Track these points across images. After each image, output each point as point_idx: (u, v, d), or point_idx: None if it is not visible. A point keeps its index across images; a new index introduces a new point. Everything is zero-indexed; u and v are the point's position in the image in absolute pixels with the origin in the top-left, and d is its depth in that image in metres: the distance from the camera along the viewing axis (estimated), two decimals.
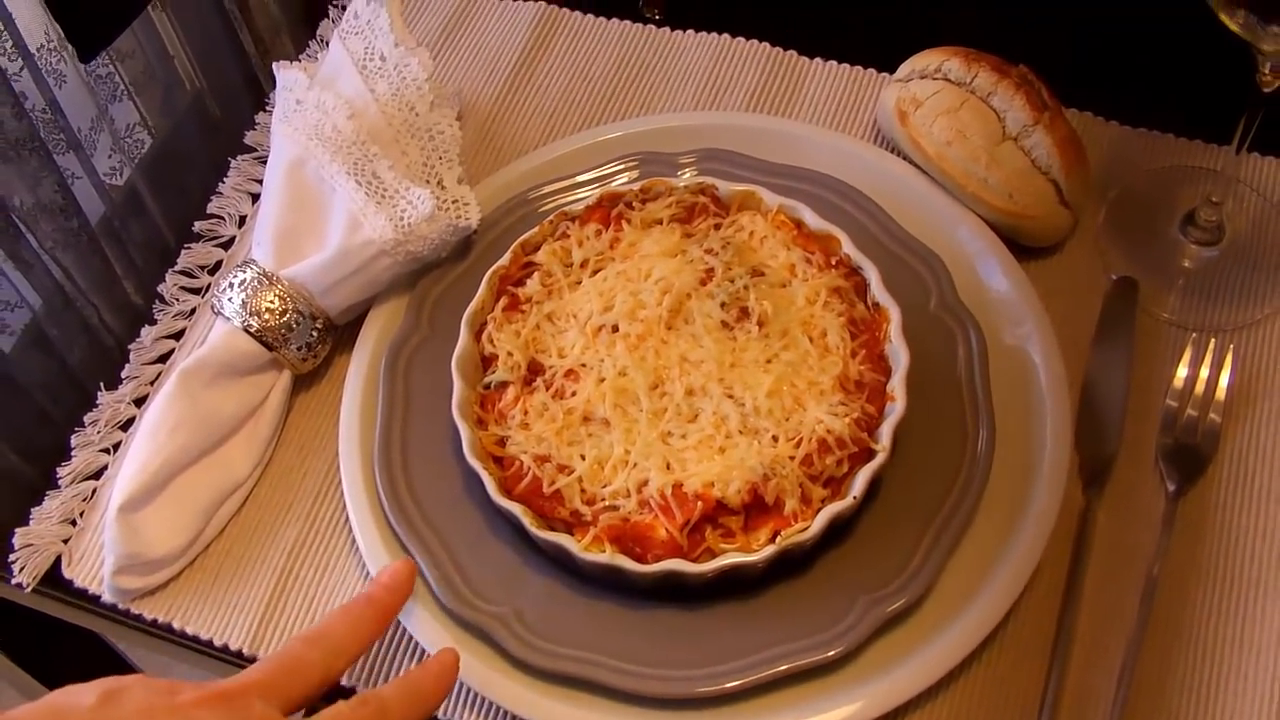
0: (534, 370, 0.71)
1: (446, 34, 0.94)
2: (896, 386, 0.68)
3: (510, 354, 0.71)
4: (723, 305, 0.71)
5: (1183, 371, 0.75)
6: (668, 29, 0.93)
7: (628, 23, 0.93)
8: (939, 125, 0.78)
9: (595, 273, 0.73)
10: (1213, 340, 0.76)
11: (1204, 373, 0.74)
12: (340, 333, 0.79)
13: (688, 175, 0.81)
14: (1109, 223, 0.82)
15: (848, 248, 0.73)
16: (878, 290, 0.71)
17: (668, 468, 0.66)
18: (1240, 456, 0.73)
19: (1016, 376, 0.74)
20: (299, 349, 0.76)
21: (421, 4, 0.96)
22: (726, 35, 0.92)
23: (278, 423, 0.77)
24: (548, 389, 0.70)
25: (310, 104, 0.79)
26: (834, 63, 0.90)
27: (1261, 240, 0.81)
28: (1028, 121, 0.77)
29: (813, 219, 0.74)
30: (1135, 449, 0.73)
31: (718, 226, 0.75)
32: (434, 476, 0.72)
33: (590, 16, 0.94)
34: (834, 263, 0.73)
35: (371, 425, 0.73)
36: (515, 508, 0.66)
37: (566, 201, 0.80)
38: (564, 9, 0.94)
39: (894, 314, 0.70)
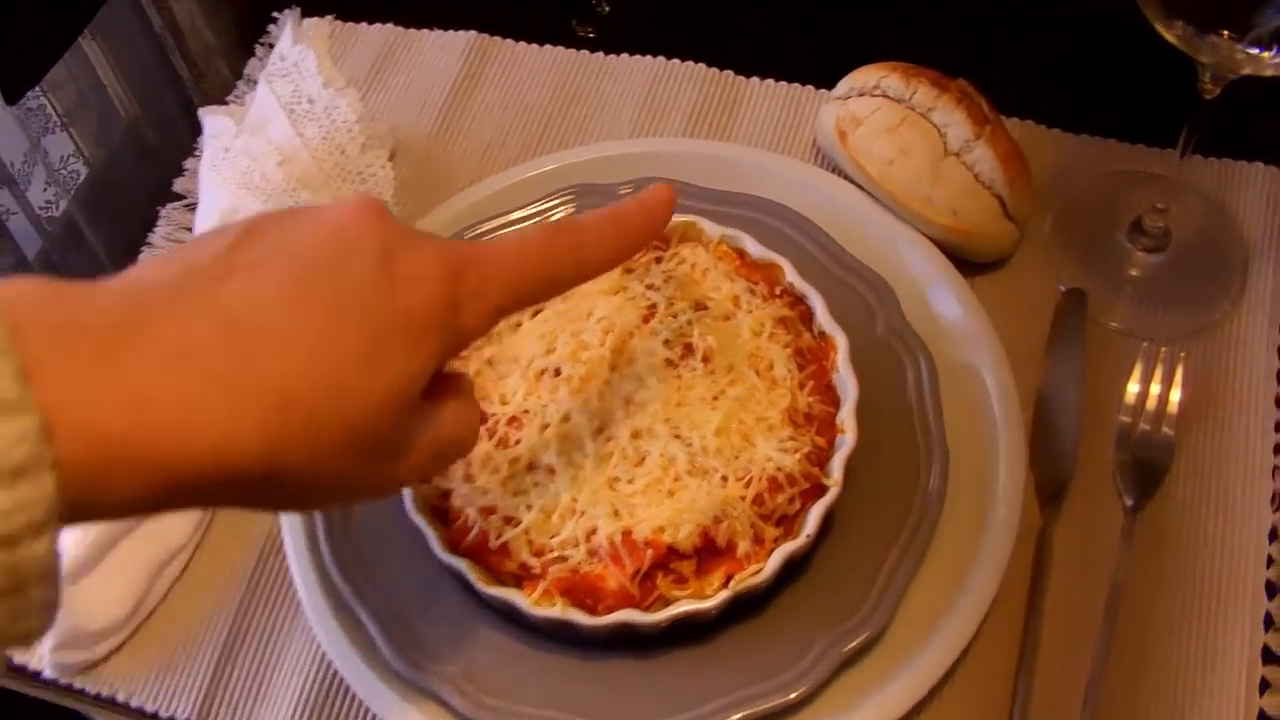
0: None
1: (377, 69, 0.92)
2: (846, 418, 0.67)
3: None
4: (666, 343, 0.69)
5: (1134, 387, 0.74)
6: (601, 53, 0.91)
7: (561, 49, 0.92)
8: (880, 144, 0.77)
9: (536, 314, 0.72)
10: (1163, 349, 0.75)
11: (1155, 388, 0.74)
12: None
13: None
14: (1056, 233, 0.81)
15: (791, 276, 0.72)
16: (823, 319, 0.70)
17: (616, 514, 0.65)
18: (1196, 467, 0.72)
19: (968, 398, 0.73)
20: None
21: (350, 40, 0.94)
22: (661, 58, 0.91)
23: None
24: (491, 438, 0.68)
25: (238, 151, 0.77)
26: (771, 81, 0.89)
27: (1208, 244, 0.80)
28: (969, 136, 0.76)
29: (755, 248, 0.73)
30: (1091, 465, 0.73)
31: (659, 260, 0.73)
32: (379, 533, 0.70)
33: (523, 44, 0.92)
34: (778, 292, 0.72)
35: None
36: (461, 564, 0.65)
37: None
38: (495, 37, 0.92)
39: (841, 342, 0.69)
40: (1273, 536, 0.70)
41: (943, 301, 0.75)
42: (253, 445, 0.42)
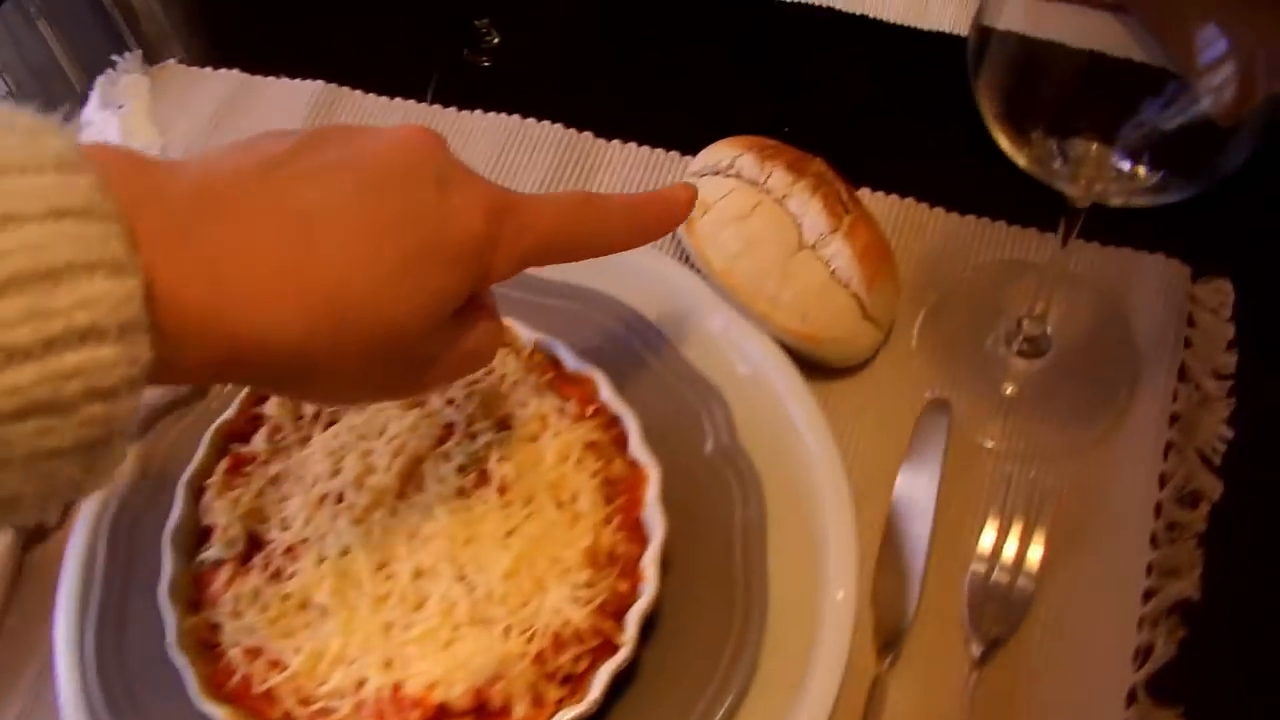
0: (255, 544, 0.64)
1: (218, 120, 0.86)
2: (648, 565, 0.61)
3: (226, 527, 0.63)
4: (460, 469, 0.63)
5: (993, 524, 0.67)
6: (455, 109, 0.84)
7: (412, 103, 0.85)
8: (727, 234, 0.70)
9: (329, 426, 0.66)
10: (1031, 476, 0.68)
11: (1016, 527, 0.66)
12: None
13: None
14: (925, 335, 0.74)
15: (605, 394, 0.65)
16: (636, 446, 0.64)
17: (388, 665, 0.59)
18: (1055, 617, 0.65)
19: (802, 528, 0.66)
20: None
21: (192, 86, 0.88)
22: (517, 116, 0.83)
23: (1, 588, 0.70)
24: (265, 569, 0.62)
25: None
26: (633, 145, 0.82)
27: (1095, 348, 0.73)
28: (825, 229, 0.69)
29: (570, 358, 0.66)
30: (938, 606, 0.66)
31: None
32: (154, 663, 0.64)
33: (372, 96, 0.85)
34: (590, 412, 0.65)
35: (91, 599, 0.66)
36: (218, 711, 0.59)
37: None
38: (344, 87, 0.85)
39: (653, 474, 0.63)
40: (1131, 699, 0.63)
41: (785, 416, 0.68)
42: (296, 332, 0.46)
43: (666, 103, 0.86)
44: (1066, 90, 0.58)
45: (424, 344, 0.52)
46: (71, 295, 0.38)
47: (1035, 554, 0.66)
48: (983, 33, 0.56)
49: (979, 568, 0.66)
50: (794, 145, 0.74)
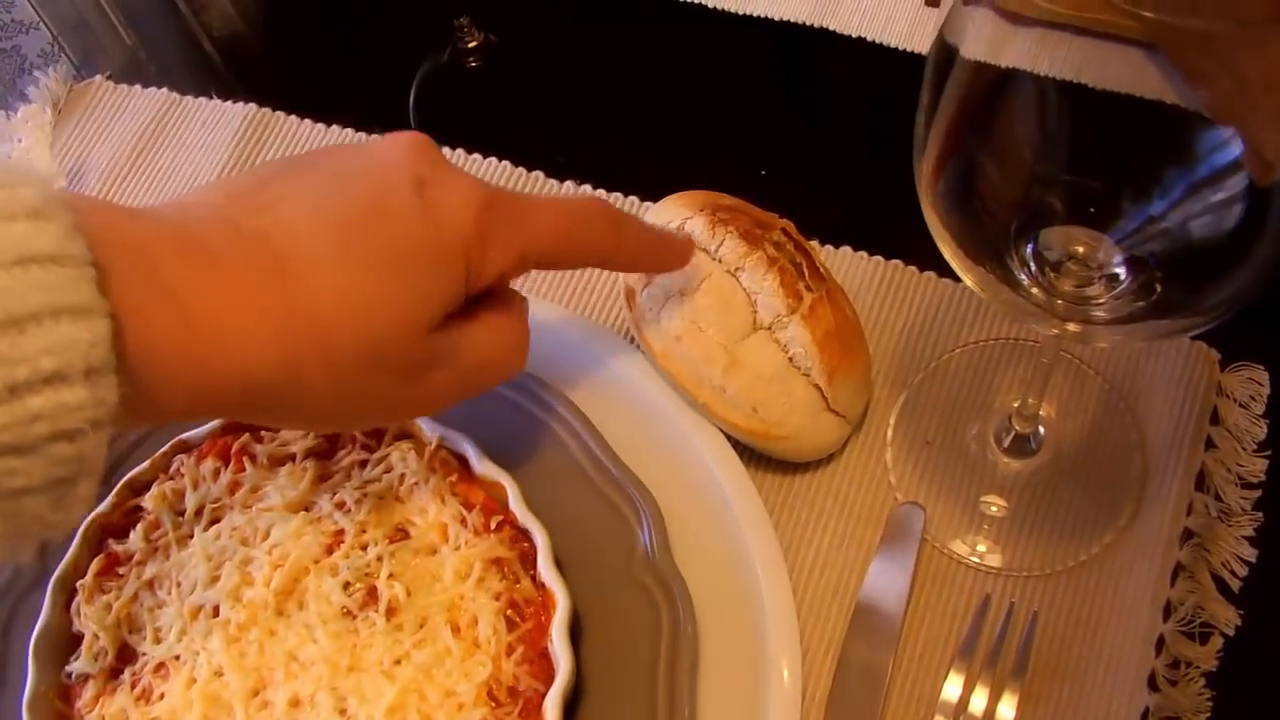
0: (126, 657, 0.59)
1: (140, 146, 0.80)
2: (550, 708, 0.54)
3: (97, 637, 0.58)
4: (346, 585, 0.57)
5: (960, 673, 0.59)
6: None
7: (349, 131, 0.78)
8: (669, 312, 0.63)
9: (212, 524, 0.60)
10: (1013, 600, 0.60)
11: (984, 683, 0.59)
12: None
13: None
14: (901, 425, 0.66)
15: (514, 504, 0.58)
16: (544, 567, 0.57)
17: None
18: None
19: (741, 657, 0.59)
20: None
21: (120, 106, 0.81)
22: (461, 150, 0.76)
23: None
24: (133, 688, 0.57)
25: None
26: (587, 187, 0.74)
27: (1097, 448, 0.64)
28: (781, 309, 0.61)
29: (477, 460, 0.59)
30: None
31: (364, 464, 0.60)
32: None
33: (307, 122, 0.79)
34: (496, 524, 0.59)
35: None
36: None
37: None
38: (278, 112, 0.79)
39: (561, 602, 0.56)
40: None
41: (728, 526, 0.61)
42: (277, 361, 0.46)
43: (631, 133, 0.78)
44: (1054, 153, 0.49)
45: (416, 350, 0.51)
46: (38, 341, 0.39)
47: (1006, 713, 0.58)
48: (945, 52, 0.46)
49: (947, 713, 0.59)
50: (770, 191, 0.66)
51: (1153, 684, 0.59)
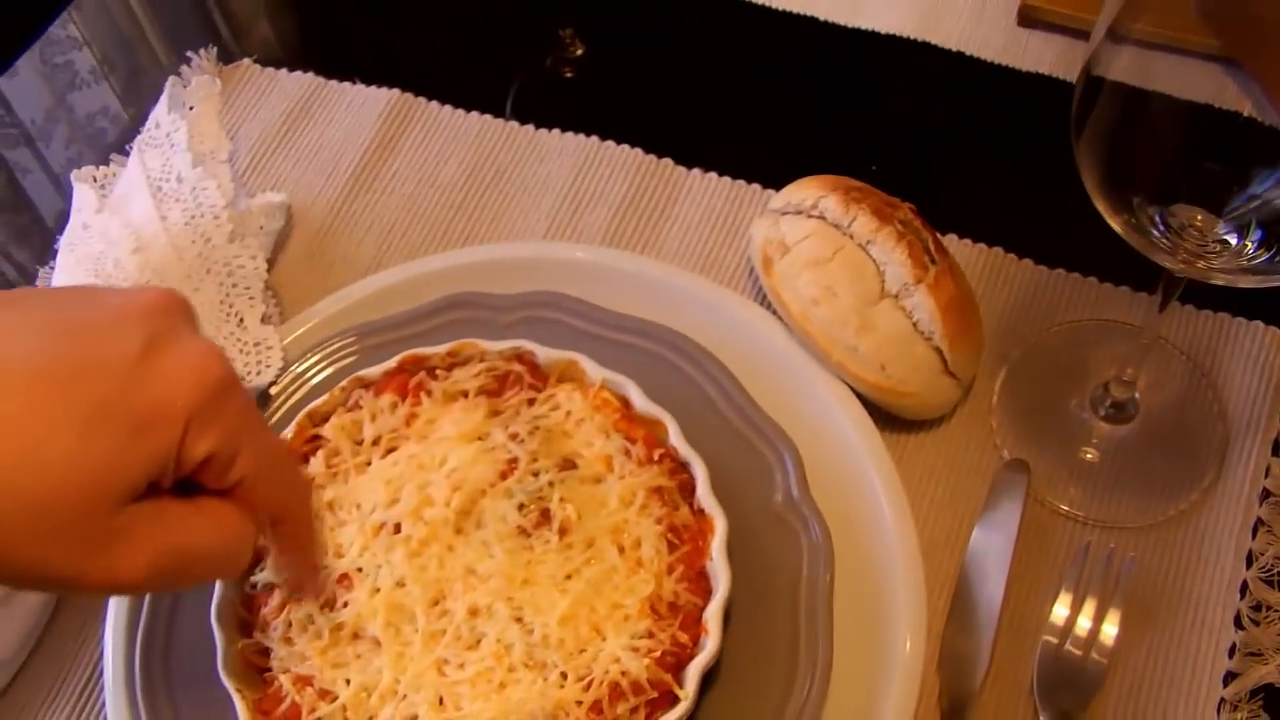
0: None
1: (288, 125, 0.87)
2: (711, 618, 0.61)
3: None
4: (521, 507, 0.64)
5: (1068, 594, 0.67)
6: (531, 127, 0.85)
7: (488, 118, 0.86)
8: (805, 279, 0.70)
9: (389, 452, 0.67)
10: (1110, 546, 0.67)
11: (1091, 601, 0.66)
12: None
13: (515, 318, 0.73)
14: (1005, 392, 0.73)
15: (674, 439, 0.65)
16: (704, 494, 0.64)
17: (440, 703, 0.60)
18: (1131, 693, 0.66)
19: (871, 587, 0.66)
20: None
21: (266, 88, 0.89)
22: (595, 138, 0.84)
23: (47, 598, 0.71)
24: (316, 596, 0.63)
25: (96, 231, 0.72)
26: (713, 175, 0.82)
27: (1184, 417, 0.72)
28: (909, 279, 0.69)
29: (639, 399, 0.67)
30: (1007, 674, 0.66)
31: (531, 402, 0.67)
32: (201, 685, 0.65)
33: (448, 108, 0.86)
34: (658, 456, 0.65)
35: (138, 619, 0.67)
36: None
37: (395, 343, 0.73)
38: (420, 98, 0.86)
39: (719, 525, 0.63)
40: None
41: (858, 471, 0.68)
42: None
43: (750, 133, 0.87)
44: (1173, 151, 0.58)
45: (96, 521, 0.48)
46: None
47: (1110, 630, 0.66)
48: (1091, 83, 0.56)
49: (1051, 639, 0.66)
50: (879, 187, 0.74)
51: (1238, 623, 0.67)
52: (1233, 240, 0.58)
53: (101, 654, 0.67)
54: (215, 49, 0.90)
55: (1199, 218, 0.58)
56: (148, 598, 0.67)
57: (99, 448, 0.47)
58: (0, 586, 0.68)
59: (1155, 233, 0.58)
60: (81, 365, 0.47)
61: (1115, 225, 0.58)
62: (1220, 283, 0.58)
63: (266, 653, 0.63)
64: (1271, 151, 0.55)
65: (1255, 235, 0.57)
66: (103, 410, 0.47)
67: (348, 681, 0.61)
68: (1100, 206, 0.58)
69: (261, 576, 0.64)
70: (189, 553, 0.52)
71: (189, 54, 0.89)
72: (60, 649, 0.71)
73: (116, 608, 0.68)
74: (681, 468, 0.66)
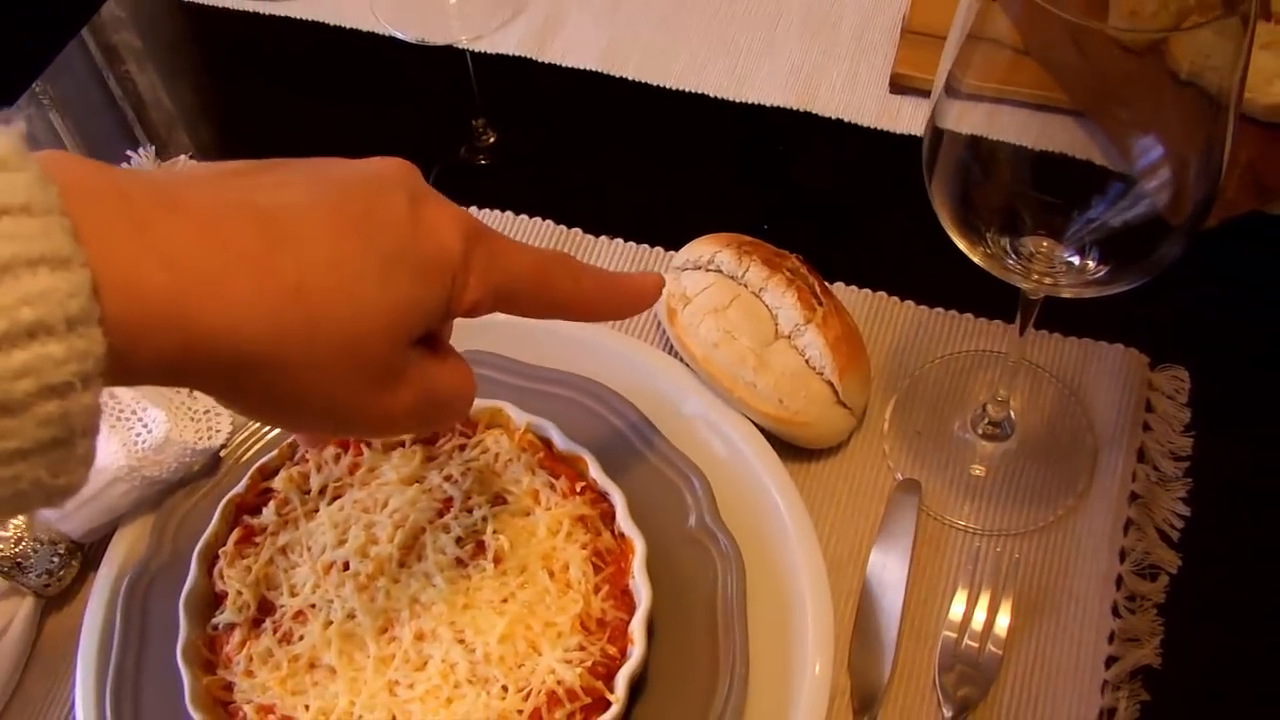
0: (265, 609, 0.71)
1: None
2: (635, 629, 0.69)
3: (239, 593, 0.71)
4: (458, 540, 0.71)
5: (962, 594, 0.75)
6: None
7: None
8: (706, 325, 0.79)
9: (335, 499, 0.74)
10: (997, 551, 0.76)
11: (984, 598, 0.74)
12: (94, 549, 0.79)
13: None
14: (895, 420, 0.82)
15: (594, 473, 0.73)
16: (623, 520, 0.72)
17: None
18: (1023, 681, 0.73)
19: (780, 598, 0.74)
20: (40, 575, 0.76)
21: None
22: (510, 212, 0.92)
23: (22, 650, 0.77)
24: (275, 632, 0.70)
25: None
26: (619, 240, 0.91)
27: (1056, 432, 0.81)
28: (799, 320, 0.78)
29: (560, 439, 0.75)
30: (911, 671, 0.74)
31: (463, 448, 0.75)
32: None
33: None
34: (580, 489, 0.73)
35: (108, 662, 0.74)
36: None
37: None
38: None
39: (639, 546, 0.71)
40: None
41: (763, 495, 0.76)
42: (263, 325, 0.47)
43: (652, 201, 0.96)
44: (1017, 190, 0.67)
45: (393, 358, 0.53)
46: (14, 292, 0.39)
47: (1003, 622, 0.74)
48: (935, 135, 0.65)
49: (950, 634, 0.74)
50: (771, 242, 0.84)
51: (1116, 612, 0.75)
52: (1075, 261, 0.67)
53: (73, 704, 0.73)
54: (153, 146, 0.98)
55: (1044, 244, 0.68)
56: (115, 638, 0.74)
57: (399, 292, 0.51)
58: None
59: (1009, 261, 0.68)
60: (368, 218, 0.51)
61: (975, 258, 0.67)
62: (1069, 295, 0.67)
63: (230, 687, 0.69)
64: (1097, 182, 0.65)
65: (1094, 254, 0.67)
66: (395, 258, 0.51)
67: (307, 707, 0.67)
68: (958, 242, 0.67)
69: (223, 618, 0.71)
70: (442, 400, 0.58)
71: (129, 152, 0.97)
72: (31, 692, 0.77)
73: (85, 654, 0.74)
74: (602, 498, 0.73)
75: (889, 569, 0.76)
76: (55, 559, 0.77)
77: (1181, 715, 0.72)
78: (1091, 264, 0.67)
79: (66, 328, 0.40)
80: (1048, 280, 0.67)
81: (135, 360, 0.44)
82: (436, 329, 0.56)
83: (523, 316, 0.62)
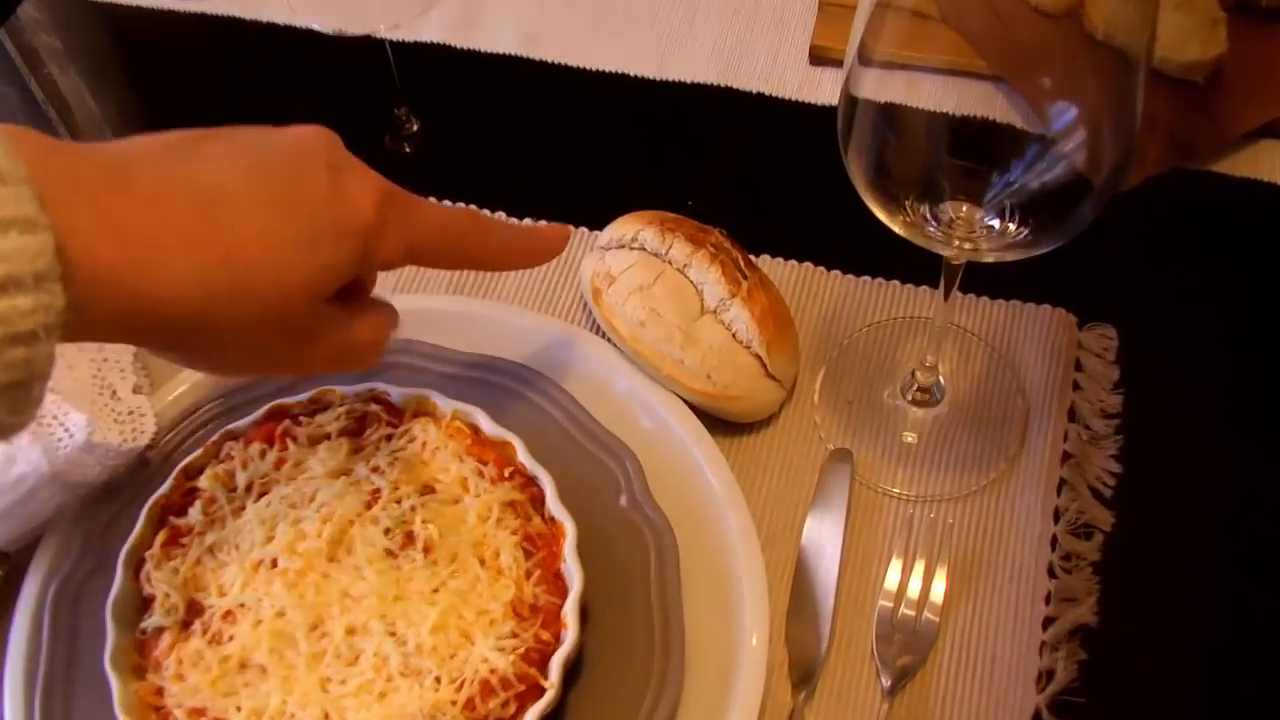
0: (194, 611, 0.70)
1: None
2: (568, 613, 0.68)
3: (168, 595, 0.70)
4: (387, 532, 0.70)
5: (897, 562, 0.74)
6: None
7: None
8: (631, 304, 0.78)
9: (261, 496, 0.73)
10: (931, 517, 0.75)
11: (919, 565, 0.74)
12: (20, 557, 0.77)
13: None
14: (825, 390, 0.82)
15: (523, 457, 0.72)
16: (553, 503, 0.71)
17: (327, 718, 0.66)
18: (961, 645, 0.73)
19: (715, 574, 0.73)
20: None
21: None
22: (434, 199, 0.91)
23: None
24: (205, 633, 0.69)
25: None
26: (544, 222, 0.90)
27: (986, 397, 0.81)
28: (724, 295, 0.77)
29: (488, 425, 0.73)
30: (849, 641, 0.73)
31: (389, 438, 0.74)
32: None
33: None
34: (509, 474, 0.72)
35: (37, 671, 0.72)
36: None
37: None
38: None
39: (569, 530, 0.70)
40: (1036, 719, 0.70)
41: (693, 470, 0.76)
42: (196, 292, 0.53)
43: (575, 182, 0.95)
44: (933, 156, 0.67)
45: (311, 315, 0.59)
46: None
47: (939, 588, 0.73)
48: (850, 103, 0.65)
49: (886, 604, 0.74)
50: (695, 218, 0.83)
51: (1051, 573, 0.75)
52: (996, 225, 0.67)
53: (1, 715, 0.72)
54: None
55: (964, 209, 0.67)
56: (44, 646, 0.72)
57: (317, 259, 0.58)
58: None
59: (930, 228, 0.67)
60: (291, 190, 0.57)
61: (895, 226, 0.66)
62: (991, 260, 0.66)
63: (162, 692, 0.68)
64: (1014, 145, 0.64)
65: (1014, 218, 0.66)
66: (315, 227, 0.58)
67: (239, 708, 0.66)
68: (877, 212, 0.66)
69: (151, 622, 0.70)
70: (353, 348, 0.64)
71: None
72: None
73: (13, 664, 0.72)
74: (531, 482, 0.72)
75: (824, 540, 0.76)
76: None
77: (1120, 673, 0.72)
78: (1012, 227, 0.67)
79: (34, 283, 0.46)
80: (969, 246, 0.66)
81: (89, 319, 0.50)
82: (358, 282, 0.63)
83: (438, 268, 0.72)
